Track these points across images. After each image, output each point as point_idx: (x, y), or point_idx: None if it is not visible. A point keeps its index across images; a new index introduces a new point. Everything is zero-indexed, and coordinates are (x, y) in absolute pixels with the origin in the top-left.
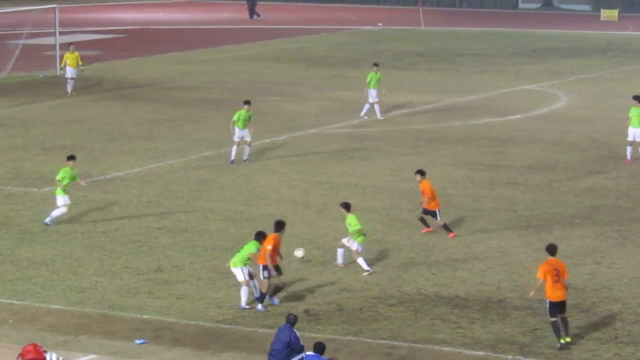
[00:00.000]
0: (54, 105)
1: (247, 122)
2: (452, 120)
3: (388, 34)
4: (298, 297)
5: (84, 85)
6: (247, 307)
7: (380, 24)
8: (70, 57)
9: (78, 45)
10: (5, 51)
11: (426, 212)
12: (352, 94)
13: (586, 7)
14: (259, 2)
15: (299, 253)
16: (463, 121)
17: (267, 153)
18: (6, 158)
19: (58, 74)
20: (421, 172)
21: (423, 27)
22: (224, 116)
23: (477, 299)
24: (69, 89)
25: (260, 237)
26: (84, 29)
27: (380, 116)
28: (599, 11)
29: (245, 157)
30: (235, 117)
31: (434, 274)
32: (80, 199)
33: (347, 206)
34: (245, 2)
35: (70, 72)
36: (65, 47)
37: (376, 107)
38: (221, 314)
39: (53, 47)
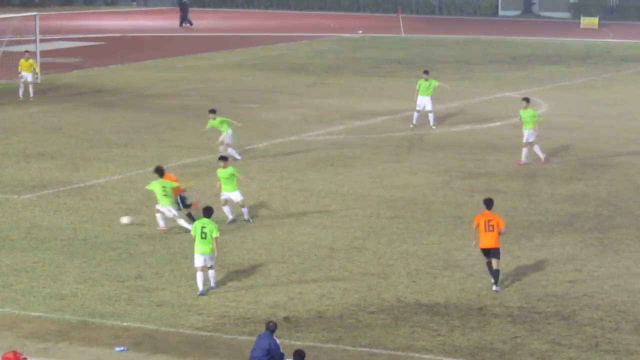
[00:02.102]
0: (34, 112)
1: (227, 125)
2: (431, 128)
3: (368, 41)
4: (278, 304)
5: (64, 92)
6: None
7: (360, 31)
8: (24, 64)
9: (60, 53)
10: None
11: None
12: (332, 101)
13: (566, 15)
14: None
15: (125, 220)
16: (443, 128)
17: (247, 160)
18: None
19: (39, 80)
20: None
21: (403, 35)
22: (203, 123)
23: (457, 307)
24: (21, 93)
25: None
26: (64, 37)
27: (433, 124)
28: (579, 19)
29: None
30: (208, 126)
31: (413, 281)
32: (61, 206)
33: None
34: (178, 7)
35: (25, 77)
36: (55, 53)
37: (430, 115)
38: (201, 321)
39: (34, 54)
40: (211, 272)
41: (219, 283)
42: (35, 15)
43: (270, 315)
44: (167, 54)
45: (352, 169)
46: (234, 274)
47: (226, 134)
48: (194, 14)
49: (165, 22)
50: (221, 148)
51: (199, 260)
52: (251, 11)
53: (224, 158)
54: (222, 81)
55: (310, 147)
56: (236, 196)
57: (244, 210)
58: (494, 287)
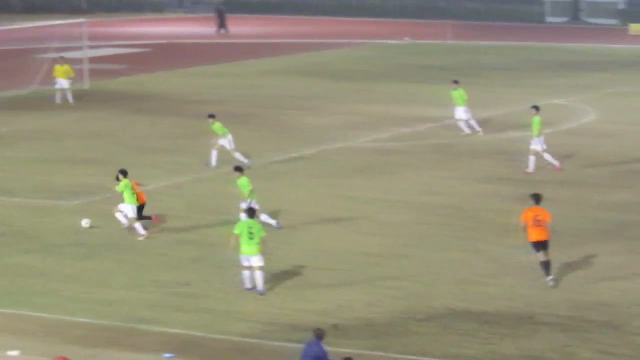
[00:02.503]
0: (82, 118)
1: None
2: (480, 135)
3: (414, 47)
4: (326, 311)
5: (111, 98)
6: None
7: (407, 38)
8: (59, 70)
9: (106, 59)
10: (34, 65)
11: None
12: (378, 108)
13: (614, 21)
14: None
15: (85, 223)
16: (491, 135)
17: (294, 167)
18: (35, 171)
19: (86, 87)
20: None
21: (450, 41)
22: (249, 130)
23: (506, 315)
24: (58, 98)
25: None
26: (111, 43)
27: (479, 128)
28: (627, 25)
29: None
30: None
31: (462, 289)
32: (108, 213)
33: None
34: (215, 14)
35: (60, 83)
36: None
37: (472, 122)
38: (248, 328)
39: (81, 61)
40: (259, 274)
41: (267, 290)
42: (82, 22)
43: (318, 322)
44: (212, 60)
45: (398, 176)
46: (281, 281)
47: (226, 139)
48: (240, 20)
49: (211, 28)
50: (214, 152)
51: (245, 261)
52: (297, 17)
53: (239, 169)
54: (267, 88)
55: (356, 154)
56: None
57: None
58: (548, 278)
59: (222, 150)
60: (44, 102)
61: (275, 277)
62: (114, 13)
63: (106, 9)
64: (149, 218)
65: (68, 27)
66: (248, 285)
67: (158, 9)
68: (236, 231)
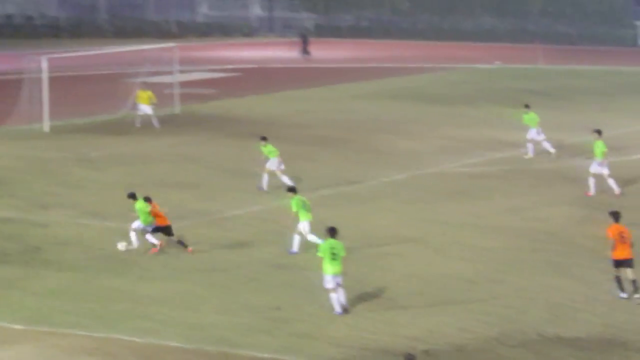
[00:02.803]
0: (173, 143)
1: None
2: (572, 159)
3: (505, 72)
4: (417, 337)
5: (201, 123)
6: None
7: (498, 62)
8: (142, 96)
9: (197, 84)
10: (125, 89)
11: None
12: (470, 132)
13: None
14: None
15: (121, 246)
16: (583, 161)
17: (385, 192)
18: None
19: (177, 112)
20: None
21: (541, 65)
22: (340, 154)
23: (599, 341)
24: (138, 122)
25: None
26: (201, 68)
27: (552, 149)
28: None
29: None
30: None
31: (555, 315)
32: (200, 237)
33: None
34: (299, 39)
35: (142, 109)
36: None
37: (545, 144)
38: (340, 353)
39: (171, 85)
40: (342, 291)
41: (358, 315)
42: (173, 47)
43: (409, 347)
44: (303, 84)
45: (490, 201)
46: (373, 306)
47: (273, 161)
48: (331, 44)
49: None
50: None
51: (331, 282)
52: (388, 42)
53: (292, 189)
54: (358, 112)
55: (448, 179)
56: (305, 226)
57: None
58: (636, 296)
59: (314, 176)
60: (134, 126)
61: (367, 302)
62: (204, 37)
63: (197, 33)
64: (185, 246)
65: (159, 52)
66: (339, 310)
67: (248, 33)
68: (320, 254)
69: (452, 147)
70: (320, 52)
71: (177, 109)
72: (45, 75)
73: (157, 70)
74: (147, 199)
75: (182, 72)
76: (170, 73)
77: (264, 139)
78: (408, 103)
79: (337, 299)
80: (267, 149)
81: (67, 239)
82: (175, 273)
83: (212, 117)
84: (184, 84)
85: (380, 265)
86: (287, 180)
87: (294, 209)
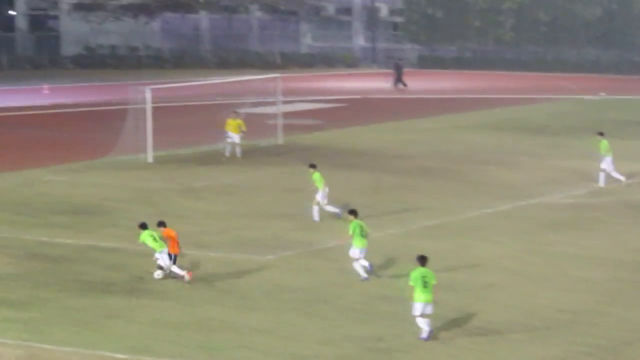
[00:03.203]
0: (276, 173)
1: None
2: (622, 184)
3: (610, 103)
4: None
5: (305, 153)
6: None
7: (602, 93)
8: (231, 124)
9: (300, 115)
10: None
11: None
12: (573, 163)
13: None
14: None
15: (158, 274)
16: None
17: (488, 223)
18: (230, 225)
19: (280, 142)
20: None
21: None
22: (443, 185)
23: None
24: (227, 151)
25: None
26: (305, 98)
27: (621, 177)
28: None
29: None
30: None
31: None
32: (302, 267)
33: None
34: (393, 70)
35: (232, 137)
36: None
37: (614, 173)
38: None
39: (275, 116)
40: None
41: (460, 346)
42: (277, 77)
43: None
44: (406, 115)
45: (594, 232)
46: (474, 337)
47: (322, 192)
48: (434, 75)
49: (406, 84)
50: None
51: (420, 309)
52: (491, 73)
53: (353, 212)
54: (461, 142)
55: (551, 210)
56: (355, 252)
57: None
58: None
59: (416, 207)
60: (224, 155)
61: (468, 333)
62: (307, 69)
63: (300, 64)
64: (181, 276)
65: (262, 83)
66: (427, 329)
67: (352, 64)
68: (411, 282)
69: (556, 178)
70: (423, 83)
71: (280, 139)
72: (149, 106)
73: (261, 100)
74: (161, 224)
75: (285, 102)
76: (273, 104)
77: (312, 166)
78: (511, 134)
79: (425, 321)
80: (315, 176)
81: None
82: (276, 303)
83: (315, 147)
84: (287, 115)
85: (482, 296)
86: (332, 209)
87: (350, 232)
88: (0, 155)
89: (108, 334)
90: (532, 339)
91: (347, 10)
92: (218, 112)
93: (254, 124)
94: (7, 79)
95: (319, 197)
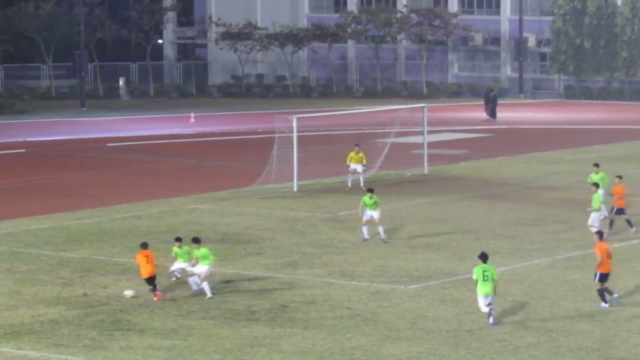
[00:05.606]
0: (421, 203)
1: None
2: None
3: None
4: None
5: (450, 183)
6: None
7: None
8: (354, 157)
9: (446, 144)
10: (375, 149)
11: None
12: None
13: None
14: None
15: (128, 293)
16: None
17: (636, 254)
18: (373, 255)
19: (425, 172)
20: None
21: None
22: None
23: None
24: (350, 182)
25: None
26: (451, 128)
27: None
28: None
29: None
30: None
31: None
32: (446, 297)
33: None
34: (484, 102)
35: (353, 167)
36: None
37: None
38: None
39: (421, 145)
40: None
41: None
42: (423, 107)
43: None
44: (555, 146)
45: None
46: None
47: (376, 212)
48: (581, 106)
49: (551, 114)
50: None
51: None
52: (639, 104)
53: (483, 256)
54: (608, 173)
55: None
56: (480, 300)
57: None
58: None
59: (562, 238)
60: (381, 186)
61: None
62: (454, 98)
63: (446, 94)
64: (154, 290)
65: (408, 112)
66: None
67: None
68: (474, 277)
69: None
70: (570, 114)
71: (426, 169)
72: (295, 135)
73: (406, 130)
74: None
75: (431, 132)
76: (419, 133)
77: (370, 190)
78: None
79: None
80: (372, 200)
81: (314, 297)
82: (420, 333)
83: (461, 177)
84: (432, 145)
85: (627, 327)
86: (382, 232)
87: (474, 277)
88: (146, 183)
89: None
90: None
91: (495, 40)
92: (362, 142)
93: (400, 154)
94: (154, 108)
95: (366, 217)
